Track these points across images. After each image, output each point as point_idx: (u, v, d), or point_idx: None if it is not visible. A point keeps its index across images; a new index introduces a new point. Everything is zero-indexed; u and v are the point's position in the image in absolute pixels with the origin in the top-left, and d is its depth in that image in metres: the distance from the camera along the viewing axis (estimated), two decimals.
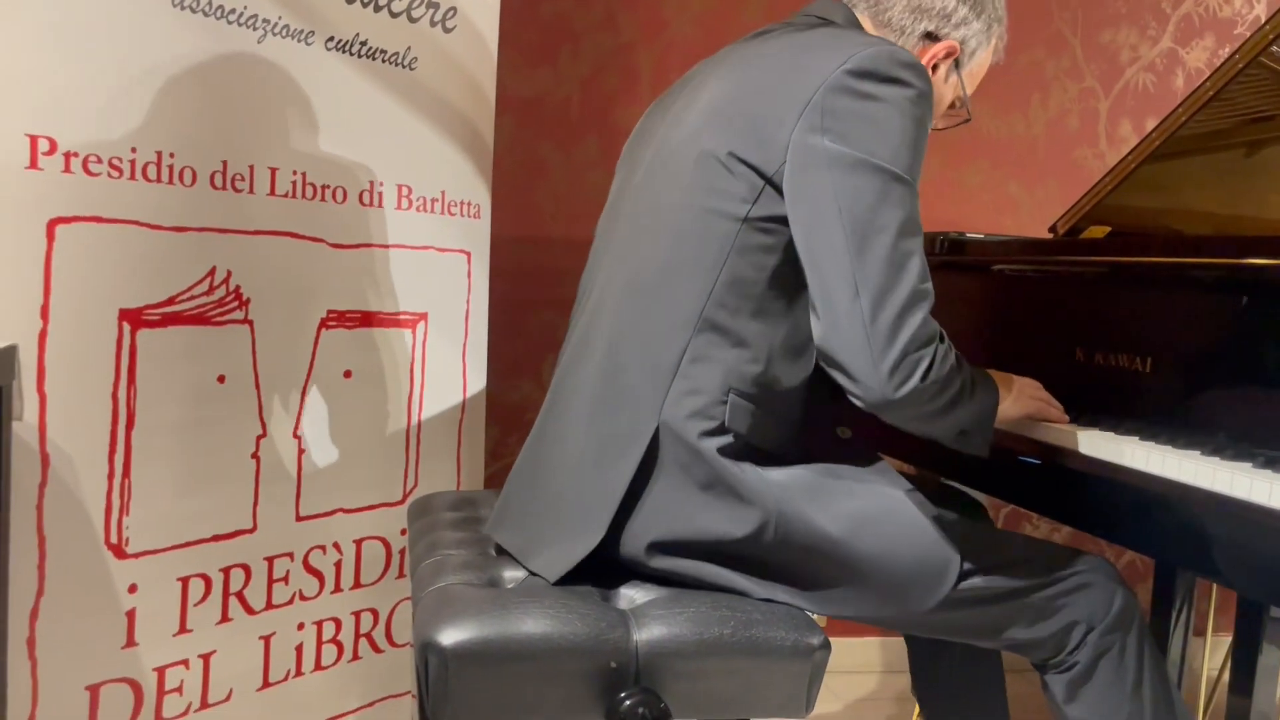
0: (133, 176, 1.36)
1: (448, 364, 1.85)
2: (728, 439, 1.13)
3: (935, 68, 1.31)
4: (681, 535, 1.13)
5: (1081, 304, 1.49)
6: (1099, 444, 1.26)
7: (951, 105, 1.36)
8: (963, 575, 1.17)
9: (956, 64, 1.32)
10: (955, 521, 1.20)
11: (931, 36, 1.29)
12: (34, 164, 1.27)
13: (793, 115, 1.10)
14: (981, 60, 1.36)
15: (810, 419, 1.21)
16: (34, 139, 1.27)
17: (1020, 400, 1.31)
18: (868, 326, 1.05)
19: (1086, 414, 1.37)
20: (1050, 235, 1.87)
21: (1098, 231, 1.80)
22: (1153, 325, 1.37)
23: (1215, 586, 1.99)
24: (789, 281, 1.14)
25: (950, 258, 1.77)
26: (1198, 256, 1.33)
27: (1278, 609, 1.46)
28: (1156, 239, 1.60)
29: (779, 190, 1.12)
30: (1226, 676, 1.55)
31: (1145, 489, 1.20)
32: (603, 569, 1.17)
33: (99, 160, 1.33)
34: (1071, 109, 2.55)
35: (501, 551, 1.27)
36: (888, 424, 1.14)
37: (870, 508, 1.16)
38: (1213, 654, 2.05)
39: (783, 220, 1.12)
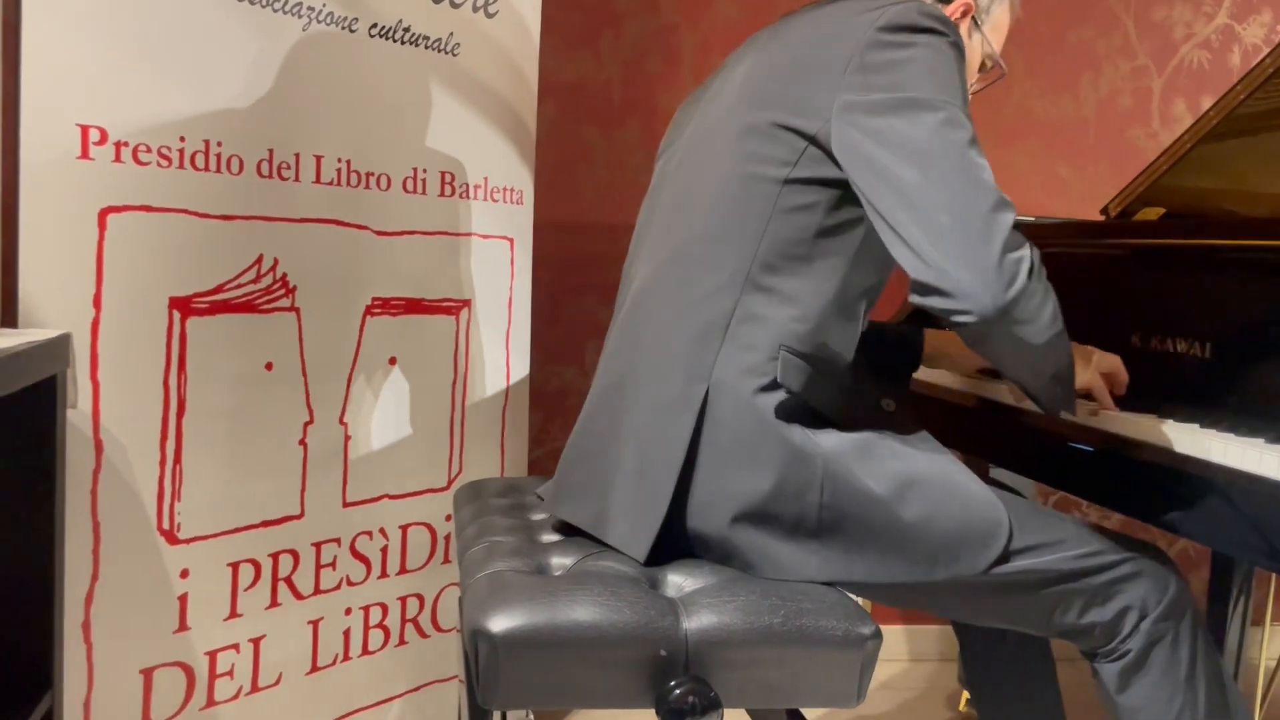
0: (181, 165, 1.37)
1: (491, 350, 1.86)
2: (780, 395, 1.13)
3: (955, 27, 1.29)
4: (737, 500, 1.13)
5: (1138, 288, 1.46)
6: (1155, 431, 1.24)
7: (982, 65, 1.37)
8: (1014, 553, 1.15)
9: (975, 22, 1.33)
10: (1008, 500, 1.18)
11: None
12: (85, 154, 1.28)
13: (832, 77, 1.12)
14: (999, 15, 1.37)
15: (856, 390, 1.20)
16: (85, 129, 1.28)
17: (1084, 371, 1.29)
18: (962, 236, 1.02)
19: (1143, 400, 1.34)
20: (1102, 217, 1.83)
21: (1151, 213, 1.76)
22: (1211, 310, 1.34)
23: (1275, 578, 1.95)
24: (833, 240, 1.15)
25: None
26: (1257, 238, 1.30)
27: None
28: (1213, 220, 1.56)
29: (822, 150, 1.13)
30: None
31: (1203, 477, 1.17)
32: (675, 548, 1.17)
33: (148, 150, 1.34)
34: (1124, 88, 2.50)
35: (555, 534, 1.27)
36: (932, 405, 1.13)
37: (917, 470, 1.15)
38: (1270, 644, 2.01)
39: (825, 181, 1.14)
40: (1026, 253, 1.04)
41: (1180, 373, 1.33)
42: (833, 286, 1.16)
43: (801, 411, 1.14)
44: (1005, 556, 1.15)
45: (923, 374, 1.67)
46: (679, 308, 1.18)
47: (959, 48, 1.13)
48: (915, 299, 1.08)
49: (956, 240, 1.03)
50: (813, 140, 1.13)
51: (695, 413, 1.13)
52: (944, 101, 1.07)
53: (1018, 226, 1.05)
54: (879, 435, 1.17)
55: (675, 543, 1.17)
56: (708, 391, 1.13)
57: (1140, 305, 1.45)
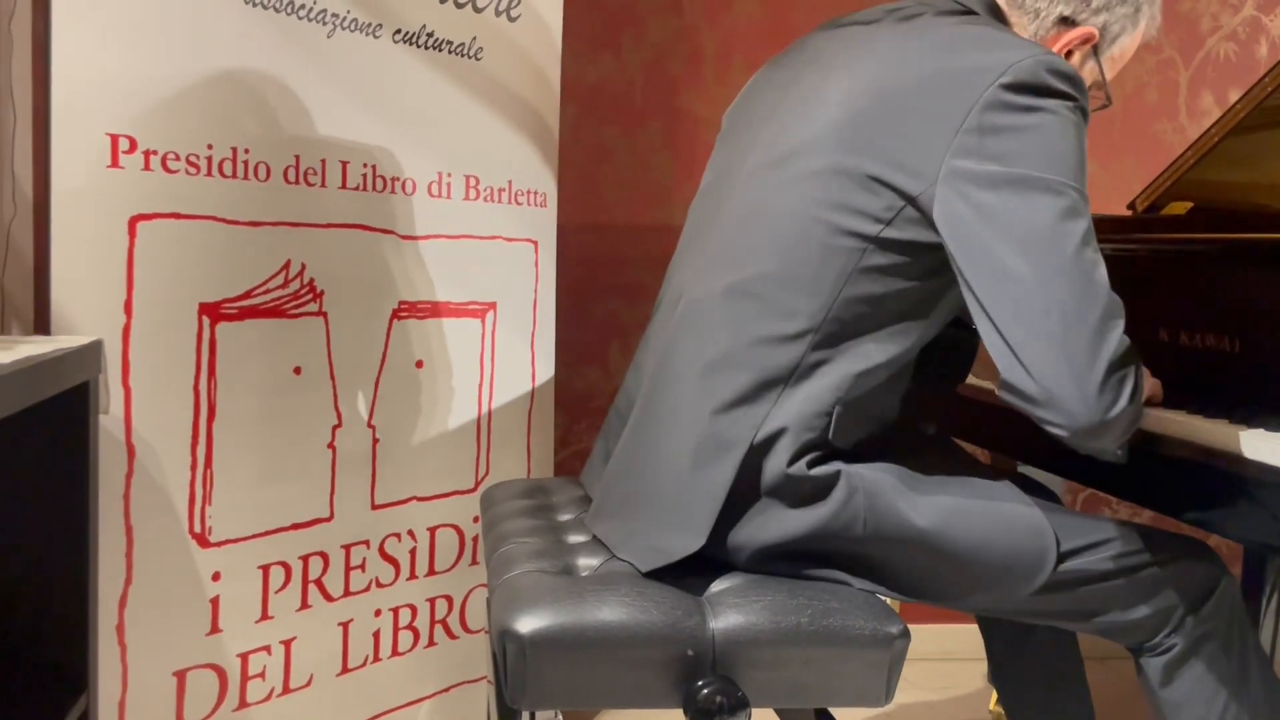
0: (209, 173, 1.39)
1: (516, 353, 1.86)
2: (821, 452, 1.10)
3: (1070, 54, 1.23)
4: (774, 539, 1.10)
5: (1166, 283, 1.45)
6: (1185, 427, 1.23)
7: (1091, 88, 1.28)
8: (1061, 556, 1.14)
9: (1095, 50, 1.24)
10: (1047, 508, 1.17)
11: (1068, 21, 1.22)
12: (115, 163, 1.30)
13: (945, 137, 1.04)
14: (1126, 45, 1.27)
15: (899, 419, 1.19)
16: (115, 138, 1.30)
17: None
18: (1065, 349, 0.97)
19: (1173, 395, 1.33)
20: (1129, 212, 1.81)
21: (1179, 208, 1.74)
22: (1240, 304, 1.33)
23: None
24: (912, 306, 1.12)
25: None
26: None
27: None
28: (1242, 214, 1.54)
29: (920, 212, 1.06)
30: None
31: (1233, 472, 1.16)
32: (691, 570, 1.14)
33: (177, 158, 1.35)
34: (1149, 81, 2.47)
35: (582, 535, 1.27)
36: (953, 404, 1.12)
37: (961, 500, 1.13)
38: None
39: (916, 246, 1.08)
40: (1132, 368, 0.99)
41: (1210, 368, 1.32)
42: (902, 347, 1.13)
43: (843, 453, 1.12)
44: (1055, 562, 1.14)
45: None
46: (741, 346, 1.11)
47: (1085, 109, 1.06)
48: (1002, 395, 1.04)
49: (1061, 352, 0.97)
50: (913, 202, 1.06)
51: (741, 455, 1.08)
52: (1065, 185, 1.00)
53: (1125, 336, 0.99)
54: (919, 465, 1.15)
55: (703, 569, 1.15)
56: (754, 437, 1.08)
57: (1169, 300, 1.43)
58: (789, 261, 1.11)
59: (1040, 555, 1.13)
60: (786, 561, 1.12)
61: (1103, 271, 1.00)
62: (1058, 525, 1.15)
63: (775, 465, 1.08)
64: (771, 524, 1.10)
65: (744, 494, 1.09)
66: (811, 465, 1.09)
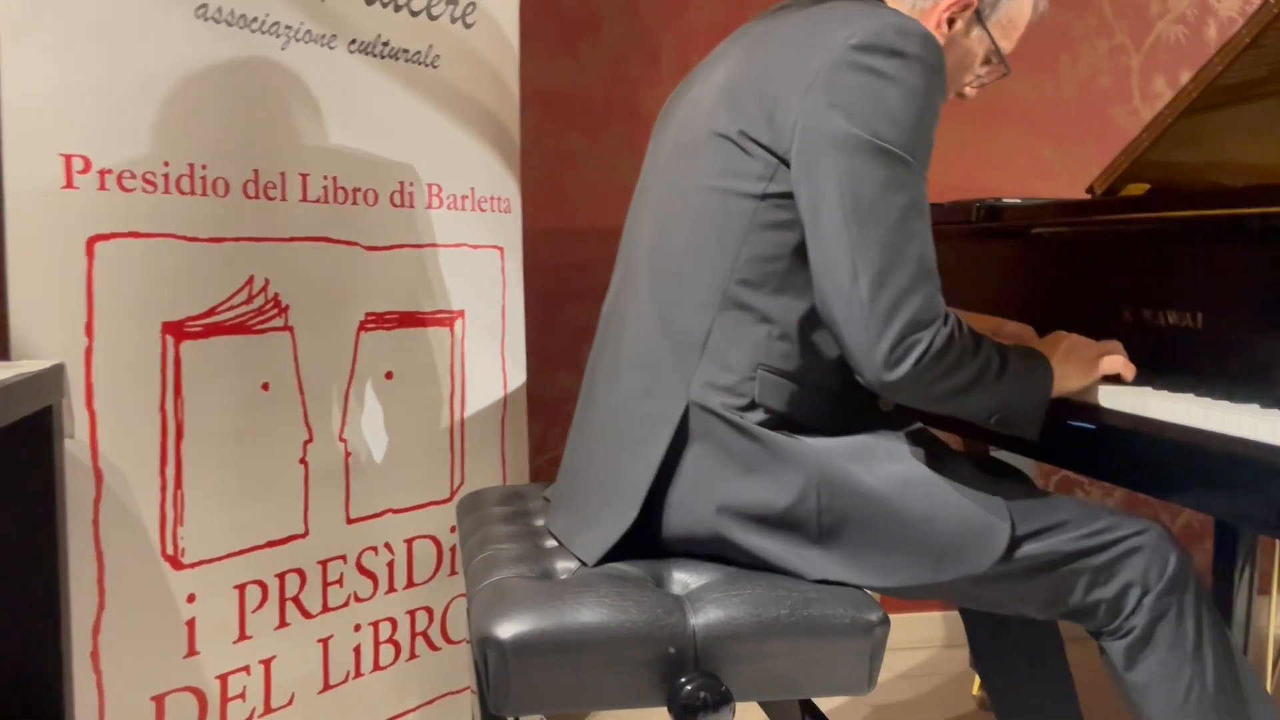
0: (167, 190, 1.37)
1: (487, 360, 1.86)
2: (761, 414, 1.14)
3: (953, 22, 1.27)
4: (726, 504, 1.14)
5: (1127, 262, 1.46)
6: (1151, 403, 1.24)
7: (987, 60, 1.33)
8: (1016, 541, 1.15)
9: (979, 17, 1.28)
10: (1004, 486, 1.19)
11: None
12: (70, 184, 1.29)
13: (799, 93, 1.10)
14: (1014, 12, 1.31)
15: (850, 392, 1.20)
16: (68, 158, 1.28)
17: (1082, 370, 1.27)
18: (865, 308, 1.05)
19: (1139, 373, 1.34)
20: (1088, 196, 1.84)
21: (1137, 189, 1.77)
22: (1201, 280, 1.34)
23: (1278, 543, 1.95)
24: (804, 256, 1.14)
25: (988, 224, 1.75)
26: (1243, 207, 1.30)
27: None
28: (1198, 191, 1.56)
29: (789, 167, 1.12)
30: None
31: (1200, 446, 1.18)
32: (651, 554, 1.17)
33: (133, 176, 1.34)
34: (1102, 67, 2.50)
35: (555, 541, 1.28)
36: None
37: (916, 470, 1.15)
38: (1278, 613, 2.01)
39: (794, 204, 1.13)
40: (925, 335, 1.05)
41: (1173, 344, 1.33)
42: (809, 301, 1.15)
43: (786, 424, 1.15)
44: (1009, 546, 1.16)
45: None
46: (657, 322, 1.18)
47: (935, 70, 1.10)
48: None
49: (858, 310, 1.05)
50: (781, 159, 1.12)
51: (671, 431, 1.13)
52: (898, 152, 1.06)
53: (930, 305, 1.06)
54: (875, 437, 1.18)
55: (660, 551, 1.18)
56: (687, 409, 1.14)
57: (1130, 280, 1.45)
58: (696, 234, 1.17)
59: (993, 528, 1.14)
60: (744, 527, 1.14)
61: (919, 244, 1.07)
62: (1015, 507, 1.17)
63: (710, 424, 1.13)
64: (722, 487, 1.13)
65: (683, 460, 1.14)
66: (755, 423, 1.13)
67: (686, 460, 1.14)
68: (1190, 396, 1.22)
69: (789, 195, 1.12)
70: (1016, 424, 1.18)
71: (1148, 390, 1.27)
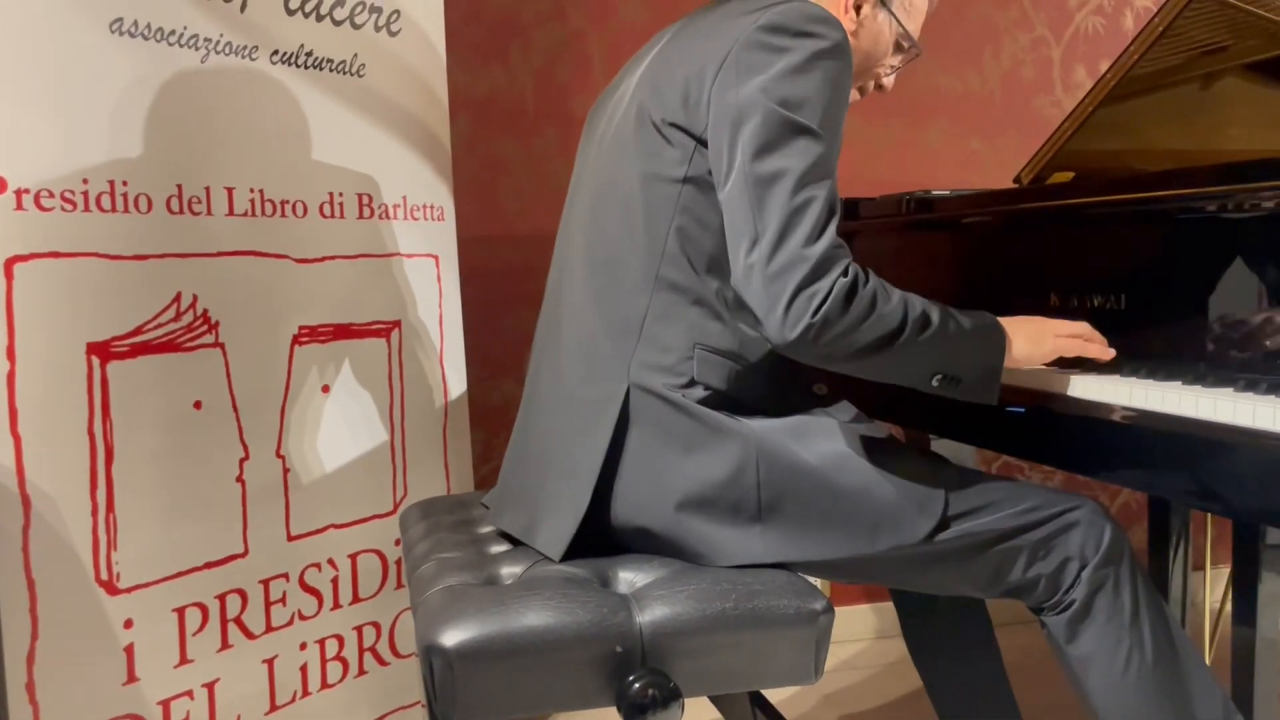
0: (87, 208, 1.34)
1: (426, 370, 1.84)
2: (700, 391, 1.16)
3: (859, 7, 1.31)
4: (670, 489, 1.14)
5: (1050, 249, 1.49)
6: (1080, 384, 1.27)
7: (898, 46, 1.36)
8: (954, 519, 1.17)
9: (881, 1, 1.32)
10: (939, 465, 1.21)
11: None
12: None
13: (711, 74, 1.14)
14: None
15: (784, 376, 1.22)
16: None
17: (1040, 343, 1.27)
18: (761, 268, 1.06)
19: (1068, 357, 1.37)
20: (1016, 186, 1.87)
21: (1062, 178, 1.80)
22: (1122, 263, 1.38)
23: (1210, 520, 2.00)
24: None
25: (918, 216, 1.77)
26: (1158, 190, 1.33)
27: (1273, 537, 1.47)
28: (1116, 177, 1.60)
29: (707, 148, 1.15)
30: (1229, 607, 1.55)
31: (1131, 424, 1.20)
32: (605, 543, 1.18)
33: (51, 195, 1.31)
34: (1024, 59, 2.55)
35: (504, 544, 1.27)
36: (867, 381, 1.15)
37: (852, 446, 1.17)
38: (1214, 587, 2.06)
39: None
40: (822, 286, 1.05)
41: (1099, 326, 1.36)
42: None
43: (726, 402, 1.17)
44: (945, 523, 1.18)
45: None
46: (595, 310, 1.20)
47: (839, 50, 1.13)
48: None
49: (757, 273, 1.06)
50: (699, 140, 1.15)
51: (615, 413, 1.15)
52: (797, 120, 1.08)
53: (827, 259, 1.06)
54: (811, 417, 1.19)
55: (612, 541, 1.19)
56: (628, 392, 1.15)
57: (1055, 265, 1.48)
58: (626, 220, 1.20)
59: (927, 498, 1.16)
60: (690, 515, 1.15)
61: (818, 206, 1.07)
62: (950, 486, 1.19)
63: (651, 404, 1.15)
64: (666, 472, 1.14)
65: (629, 444, 1.15)
66: (695, 401, 1.14)
67: (630, 443, 1.15)
68: (1116, 377, 1.25)
69: (709, 176, 1.15)
70: (966, 386, 1.17)
71: (1075, 371, 1.30)
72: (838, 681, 2.30)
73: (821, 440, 1.16)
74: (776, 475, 1.14)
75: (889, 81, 1.40)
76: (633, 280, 1.18)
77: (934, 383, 1.16)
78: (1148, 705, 1.21)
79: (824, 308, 1.05)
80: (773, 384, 1.21)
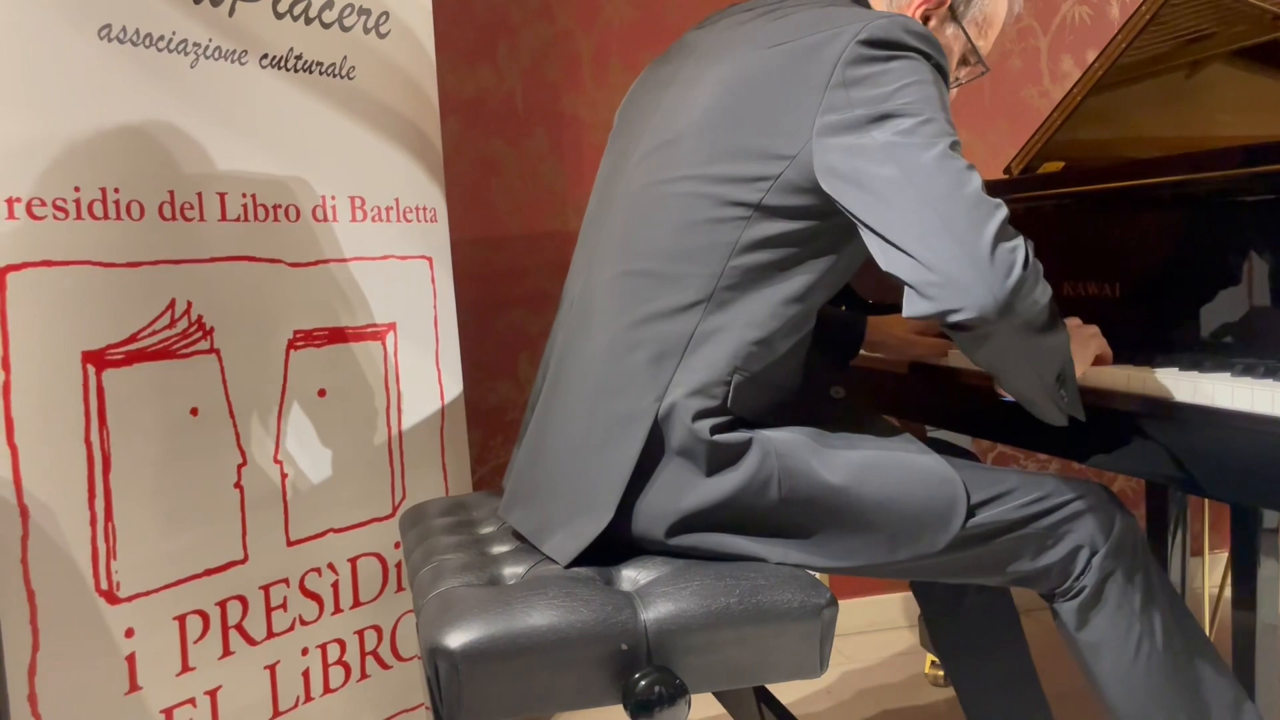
0: (79, 216, 1.33)
1: (422, 372, 1.84)
2: (729, 416, 1.13)
3: (928, 19, 1.28)
4: (691, 508, 1.13)
5: (1045, 239, 1.49)
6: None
7: (963, 60, 1.34)
8: (970, 511, 1.17)
9: (953, 13, 1.29)
10: (955, 464, 1.21)
11: None
12: None
13: (814, 97, 1.09)
14: (989, 8, 1.31)
15: (806, 386, 1.21)
16: None
17: (1086, 345, 1.27)
18: (950, 229, 1.01)
19: None
20: (1006, 177, 1.87)
21: (1052, 167, 1.81)
22: (1117, 249, 1.38)
23: (1207, 505, 2.01)
24: (798, 269, 1.14)
25: None
26: (1150, 177, 1.34)
27: (1270, 521, 1.47)
28: (1106, 166, 1.61)
29: (798, 174, 1.10)
30: (1228, 592, 1.56)
31: (1129, 411, 1.21)
32: (612, 551, 1.17)
33: (43, 203, 1.30)
34: (1012, 49, 2.56)
35: (505, 545, 1.27)
36: (873, 375, 1.14)
37: (871, 456, 1.16)
38: (1211, 572, 2.07)
39: (797, 210, 1.12)
40: (1019, 240, 1.02)
41: (1095, 314, 1.36)
42: (792, 310, 1.16)
43: (750, 421, 1.15)
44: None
45: None
46: (634, 323, 1.16)
47: (942, 70, 1.11)
48: (914, 309, 1.05)
49: (945, 233, 1.01)
50: (790, 163, 1.10)
51: (645, 432, 1.11)
52: (924, 110, 1.05)
53: (1010, 221, 1.03)
54: (831, 426, 1.18)
55: (621, 549, 1.17)
56: (658, 410, 1.12)
57: (1048, 256, 1.48)
58: (678, 238, 1.15)
59: (951, 504, 1.16)
60: (707, 531, 1.14)
61: (974, 174, 1.04)
62: (965, 478, 1.18)
63: (681, 433, 1.11)
64: (687, 492, 1.12)
65: (653, 465, 1.12)
66: (717, 430, 1.11)
67: (658, 466, 1.13)
68: (1112, 365, 1.26)
69: (786, 207, 1.11)
70: (1068, 389, 1.15)
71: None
72: (841, 677, 2.30)
73: (842, 450, 1.15)
74: (798, 490, 1.12)
75: (951, 94, 1.38)
76: (682, 300, 1.13)
77: (1055, 379, 1.13)
78: (1159, 691, 1.22)
79: (1028, 261, 1.01)
80: (793, 399, 1.20)
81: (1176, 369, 1.18)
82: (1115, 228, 1.38)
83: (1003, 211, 1.03)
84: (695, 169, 1.15)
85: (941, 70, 1.12)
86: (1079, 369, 1.23)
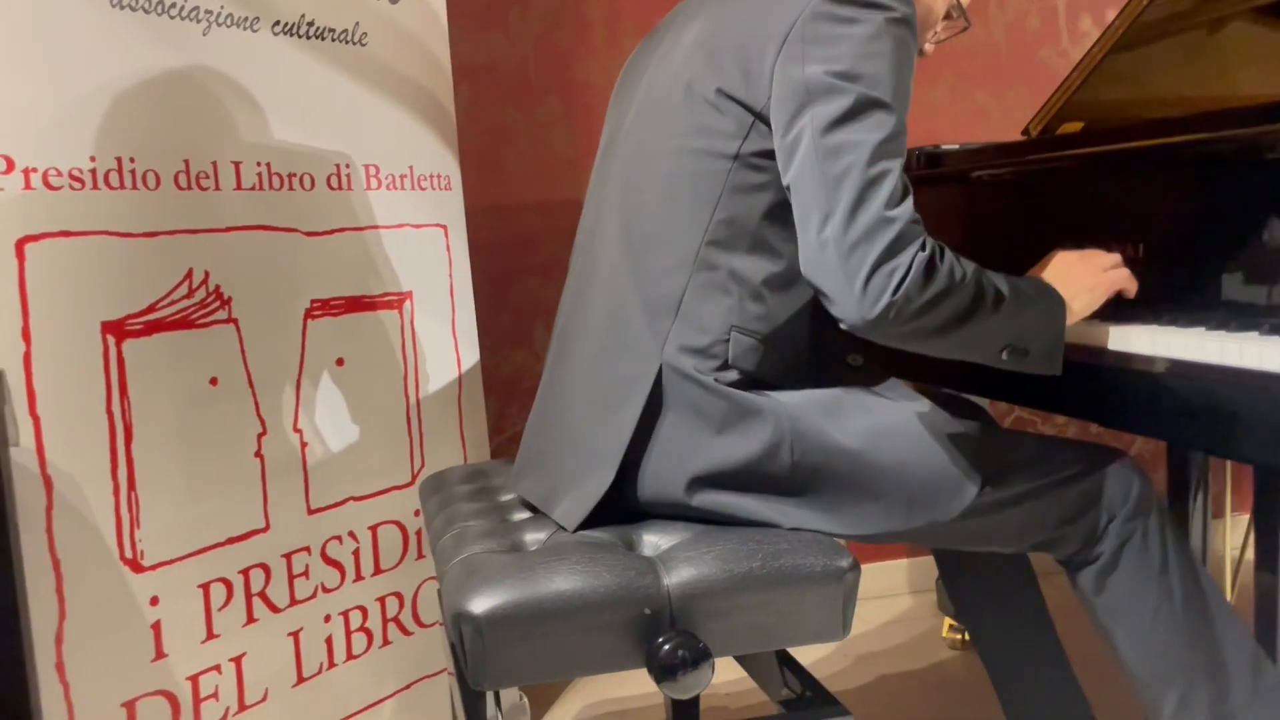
0: (95, 186, 1.33)
1: (439, 340, 1.84)
2: (733, 374, 1.13)
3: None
4: (699, 469, 1.13)
5: (1066, 199, 1.48)
6: (1100, 333, 1.26)
7: (948, 14, 1.34)
8: (985, 480, 1.16)
9: None
10: (971, 428, 1.20)
11: None
12: None
13: (775, 46, 1.09)
14: None
15: (819, 349, 1.20)
16: None
17: (1094, 288, 1.24)
18: (838, 246, 1.02)
19: None
20: (1025, 138, 1.85)
21: (1071, 128, 1.79)
22: (1139, 210, 1.36)
23: (1229, 467, 2.00)
24: (783, 215, 1.13)
25: (928, 171, 1.76)
26: (1174, 135, 1.32)
27: None
28: (1130, 125, 1.59)
29: (768, 124, 1.11)
30: (1249, 554, 1.55)
31: (1153, 372, 1.20)
32: (626, 518, 1.18)
33: (59, 174, 1.30)
34: (1029, 9, 2.52)
35: (526, 511, 1.27)
36: (896, 348, 1.13)
37: (886, 421, 1.16)
38: (1233, 534, 2.07)
39: (773, 155, 1.11)
40: (902, 262, 1.02)
41: None
42: (783, 265, 1.15)
43: (759, 383, 1.15)
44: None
45: None
46: (630, 285, 1.17)
47: (908, 21, 1.10)
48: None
49: (831, 250, 1.03)
50: (757, 115, 1.11)
51: (645, 393, 1.12)
52: (871, 94, 1.04)
53: (905, 234, 1.02)
54: (846, 392, 1.18)
55: (633, 514, 1.18)
56: (660, 371, 1.13)
57: (1069, 217, 1.47)
58: (667, 197, 1.16)
59: (966, 470, 1.16)
60: (719, 492, 1.14)
61: (893, 180, 1.04)
62: (982, 444, 1.18)
63: (685, 388, 1.12)
64: (700, 451, 1.13)
65: (660, 422, 1.13)
66: (721, 381, 1.12)
67: (660, 425, 1.14)
68: (1138, 325, 1.25)
69: (763, 154, 1.11)
70: (1033, 358, 1.15)
71: (1095, 321, 1.29)
72: (861, 641, 2.31)
73: (856, 415, 1.15)
74: (811, 454, 1.13)
75: (930, 48, 1.38)
76: (673, 258, 1.14)
77: (1003, 356, 1.13)
78: (1177, 655, 1.22)
79: (905, 284, 1.01)
80: (806, 361, 1.19)
81: (1203, 329, 1.17)
82: (1137, 188, 1.36)
83: (895, 228, 1.02)
84: (678, 125, 1.16)
85: (909, 24, 1.10)
86: (1089, 305, 1.22)
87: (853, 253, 1.02)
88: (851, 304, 1.02)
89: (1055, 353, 1.16)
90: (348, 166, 1.67)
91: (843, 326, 1.07)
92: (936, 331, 1.08)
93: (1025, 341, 1.14)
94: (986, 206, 1.65)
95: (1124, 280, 1.28)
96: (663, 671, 1.04)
